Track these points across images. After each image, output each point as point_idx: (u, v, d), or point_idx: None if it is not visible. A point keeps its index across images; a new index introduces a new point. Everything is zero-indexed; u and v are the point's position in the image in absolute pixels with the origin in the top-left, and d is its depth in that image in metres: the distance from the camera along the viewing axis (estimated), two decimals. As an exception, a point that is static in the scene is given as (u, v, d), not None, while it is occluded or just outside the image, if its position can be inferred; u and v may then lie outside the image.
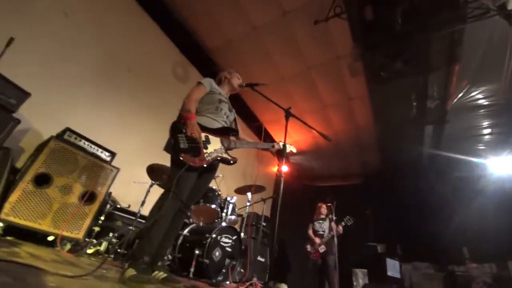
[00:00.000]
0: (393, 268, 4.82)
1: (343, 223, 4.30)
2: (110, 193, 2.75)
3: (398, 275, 4.83)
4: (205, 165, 1.79)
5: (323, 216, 4.62)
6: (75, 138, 2.34)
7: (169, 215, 1.69)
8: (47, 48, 2.80)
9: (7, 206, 1.89)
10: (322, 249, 4.22)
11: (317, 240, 4.33)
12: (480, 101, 4.13)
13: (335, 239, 4.17)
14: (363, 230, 5.57)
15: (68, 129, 2.33)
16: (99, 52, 3.33)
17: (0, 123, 1.99)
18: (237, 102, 3.02)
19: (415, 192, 5.84)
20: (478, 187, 5.38)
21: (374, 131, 5.62)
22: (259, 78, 4.82)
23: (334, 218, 4.48)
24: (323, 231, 4.42)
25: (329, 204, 4.66)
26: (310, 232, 4.54)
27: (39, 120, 2.59)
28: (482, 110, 4.32)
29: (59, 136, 2.26)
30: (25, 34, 2.52)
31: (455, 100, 4.11)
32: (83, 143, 2.38)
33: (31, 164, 2.05)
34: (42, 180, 2.07)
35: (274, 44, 4.39)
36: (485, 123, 4.61)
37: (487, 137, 4.90)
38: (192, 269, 2.37)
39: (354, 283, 4.98)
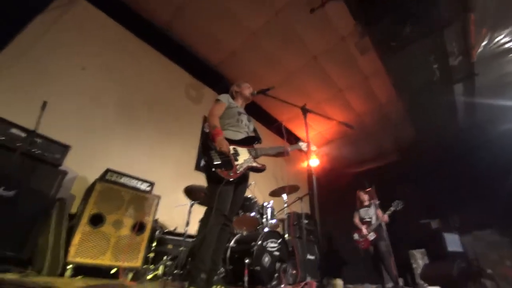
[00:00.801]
0: (452, 242, 4.46)
1: (392, 209, 4.11)
2: (157, 219, 2.94)
3: (460, 249, 4.46)
4: (238, 177, 1.86)
5: (366, 203, 4.46)
6: (116, 177, 2.54)
7: (215, 231, 1.76)
8: (74, 101, 3.09)
9: (72, 249, 2.10)
10: (371, 236, 4.07)
11: (364, 228, 4.18)
12: (507, 45, 3.77)
13: (383, 225, 4.01)
14: (411, 208, 5.27)
15: (108, 170, 2.53)
16: (119, 94, 3.60)
17: (51, 178, 2.23)
18: (253, 108, 3.07)
19: (458, 156, 5.41)
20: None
21: (399, 103, 5.35)
22: (269, 80, 4.89)
23: (378, 202, 4.32)
24: (370, 218, 4.26)
25: (369, 189, 4.51)
26: (357, 220, 4.40)
27: (82, 167, 2.85)
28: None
29: (102, 178, 2.47)
30: (54, 94, 2.81)
31: (479, 51, 3.81)
32: (124, 180, 2.58)
33: (84, 207, 2.27)
34: (96, 220, 2.27)
35: (276, 43, 4.39)
36: (519, 66, 4.20)
37: (525, 80, 4.44)
38: (246, 279, 2.42)
39: (414, 265, 4.71)
